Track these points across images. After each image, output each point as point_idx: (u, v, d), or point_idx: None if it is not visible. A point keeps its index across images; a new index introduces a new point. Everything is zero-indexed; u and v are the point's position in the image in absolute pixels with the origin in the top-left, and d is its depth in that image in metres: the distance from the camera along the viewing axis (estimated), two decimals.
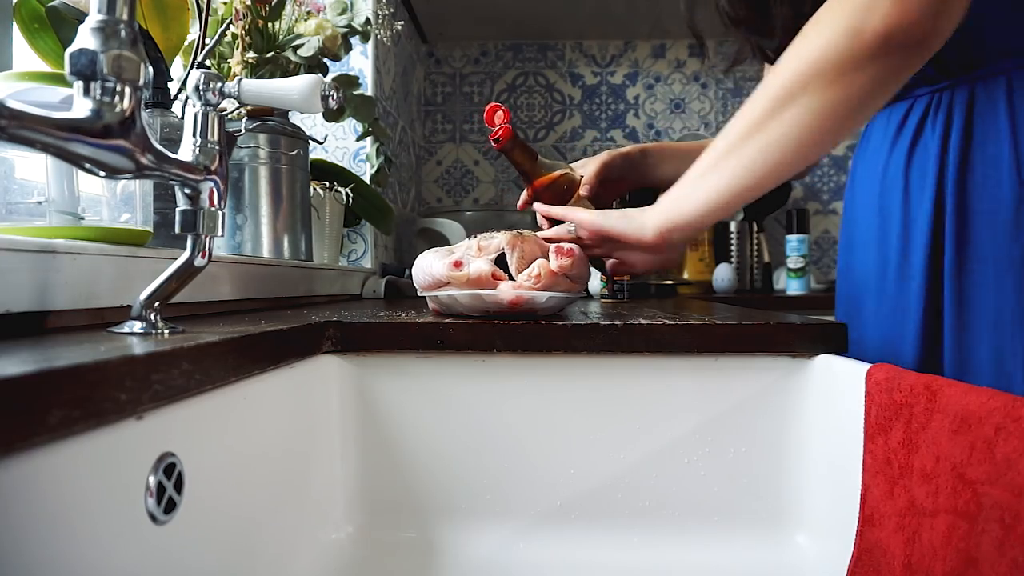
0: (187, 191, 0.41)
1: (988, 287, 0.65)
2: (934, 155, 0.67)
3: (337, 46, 0.90)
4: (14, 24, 0.66)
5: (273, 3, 0.84)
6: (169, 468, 0.31)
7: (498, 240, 0.56)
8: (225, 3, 0.85)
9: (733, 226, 1.81)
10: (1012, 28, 0.61)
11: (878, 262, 0.75)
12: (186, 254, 0.41)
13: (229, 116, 0.81)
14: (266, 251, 0.86)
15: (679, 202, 0.59)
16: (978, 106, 0.64)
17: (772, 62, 0.76)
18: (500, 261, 0.56)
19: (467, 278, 0.54)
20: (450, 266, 0.54)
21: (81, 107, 0.32)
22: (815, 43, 0.51)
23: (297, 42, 0.88)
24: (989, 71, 0.63)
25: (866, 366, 0.41)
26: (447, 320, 0.52)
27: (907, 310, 0.70)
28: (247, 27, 0.83)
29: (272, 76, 0.86)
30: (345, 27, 0.92)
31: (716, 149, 0.57)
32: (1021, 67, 0.61)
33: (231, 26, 0.81)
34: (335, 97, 0.46)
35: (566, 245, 0.57)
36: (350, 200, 1.07)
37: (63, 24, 0.64)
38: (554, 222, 0.69)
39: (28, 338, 0.36)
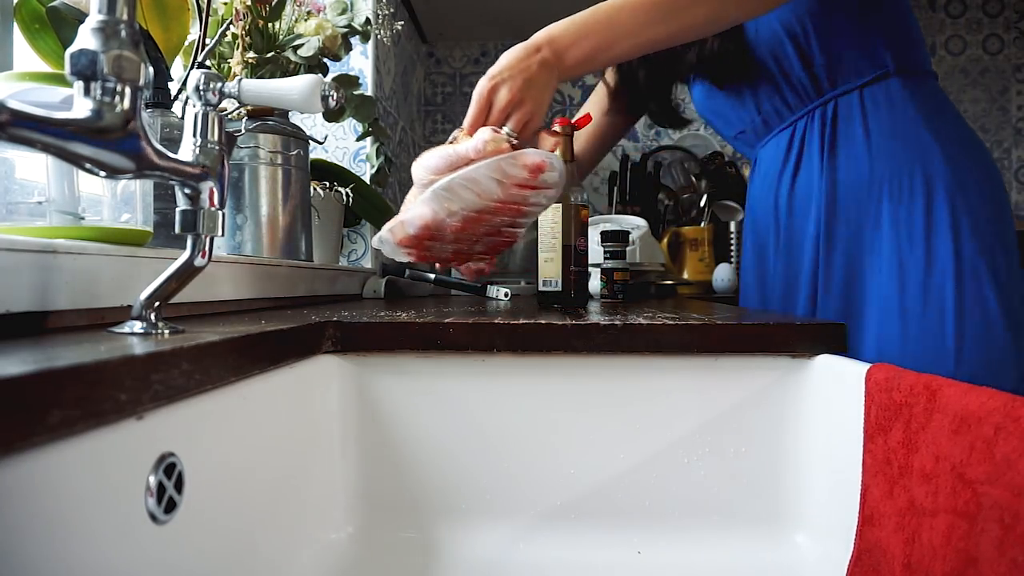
0: (187, 191, 0.41)
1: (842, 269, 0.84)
2: (816, 164, 0.86)
3: (337, 46, 0.90)
4: (15, 24, 0.66)
5: (273, 3, 0.84)
6: (169, 468, 0.31)
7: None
8: (225, 3, 0.85)
9: (733, 226, 1.81)
10: (859, 55, 0.80)
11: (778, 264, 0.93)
12: (186, 254, 0.41)
13: (229, 116, 0.81)
14: (266, 251, 0.86)
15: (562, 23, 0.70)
16: (840, 120, 0.83)
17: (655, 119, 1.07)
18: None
19: (484, 143, 0.56)
20: (459, 139, 0.57)
21: (81, 107, 0.32)
22: None
23: (297, 42, 0.88)
24: (844, 90, 0.82)
25: (866, 366, 0.41)
26: (447, 320, 0.52)
27: (797, 297, 0.89)
28: (247, 27, 0.83)
29: (272, 76, 0.86)
30: (345, 27, 0.92)
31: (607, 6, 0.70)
32: (868, 84, 0.80)
33: (231, 26, 0.81)
34: (335, 97, 0.46)
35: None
36: (350, 200, 1.07)
37: (63, 24, 0.64)
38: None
39: (28, 338, 0.36)
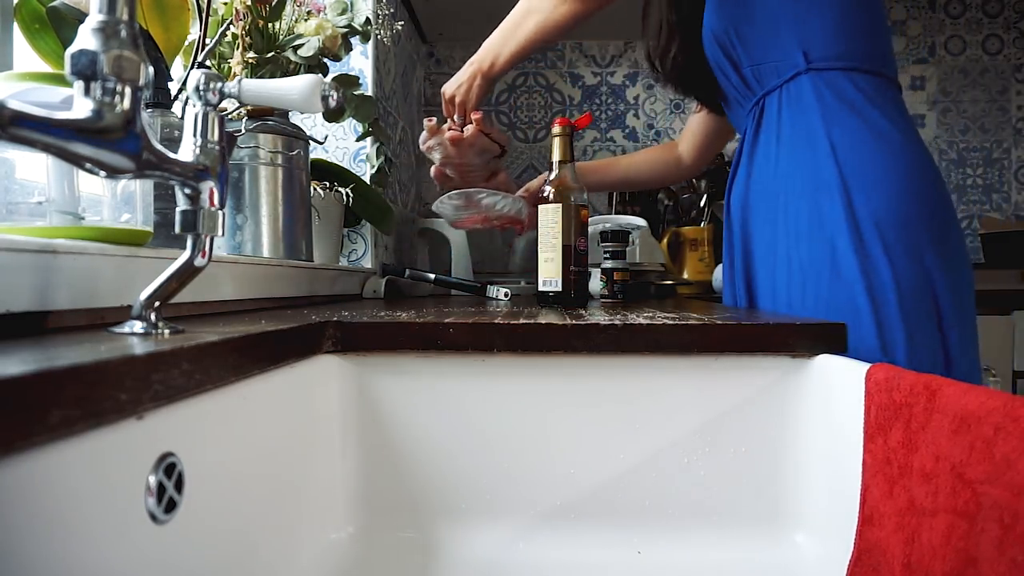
0: (187, 191, 0.41)
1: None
2: (743, 164, 0.93)
3: (337, 46, 0.90)
4: (15, 24, 0.66)
5: (273, 3, 0.84)
6: (169, 468, 0.31)
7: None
8: (225, 3, 0.85)
9: None
10: (777, 55, 0.86)
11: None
12: (186, 254, 0.41)
13: (229, 116, 0.81)
14: (266, 251, 0.86)
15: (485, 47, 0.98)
16: (764, 119, 0.88)
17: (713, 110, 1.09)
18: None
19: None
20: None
21: (81, 107, 0.32)
22: None
23: (297, 42, 0.88)
24: (768, 90, 0.87)
25: (866, 366, 0.41)
26: (447, 320, 0.52)
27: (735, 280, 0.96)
28: (247, 27, 0.83)
29: (272, 76, 0.86)
30: (345, 27, 0.92)
31: (502, 31, 0.98)
32: (786, 83, 0.85)
33: (231, 26, 0.81)
34: (335, 97, 0.46)
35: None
36: (350, 200, 1.07)
37: (64, 24, 0.64)
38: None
39: (28, 338, 0.36)
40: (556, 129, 0.86)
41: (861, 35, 0.83)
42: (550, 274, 0.83)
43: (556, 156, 0.86)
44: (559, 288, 0.83)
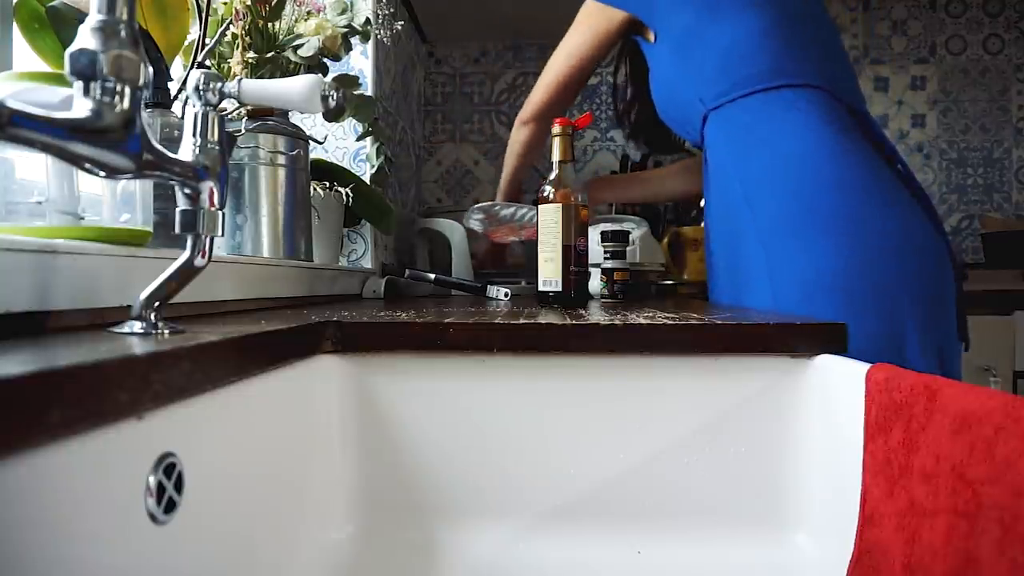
0: (187, 191, 0.41)
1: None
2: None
3: (337, 46, 0.90)
4: (14, 24, 0.66)
5: (273, 3, 0.84)
6: (169, 468, 0.31)
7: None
8: (225, 3, 0.85)
9: None
10: (689, 114, 1.00)
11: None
12: (186, 254, 0.41)
13: (229, 116, 0.81)
14: (266, 251, 0.86)
15: None
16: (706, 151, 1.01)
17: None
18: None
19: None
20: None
21: (81, 107, 0.32)
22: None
23: (297, 42, 0.88)
24: (701, 134, 1.00)
25: (866, 366, 0.41)
26: (447, 320, 0.52)
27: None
28: (247, 27, 0.83)
29: (272, 76, 0.86)
30: (345, 27, 0.92)
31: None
32: (704, 126, 0.98)
33: (231, 26, 0.81)
34: (335, 97, 0.46)
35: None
36: (350, 200, 1.07)
37: (63, 24, 0.64)
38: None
39: (28, 338, 0.36)
40: (556, 129, 0.86)
41: (741, 66, 0.93)
42: (550, 274, 0.83)
43: (556, 156, 0.86)
44: (559, 288, 0.83)
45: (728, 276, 0.97)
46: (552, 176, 0.85)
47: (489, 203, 1.14)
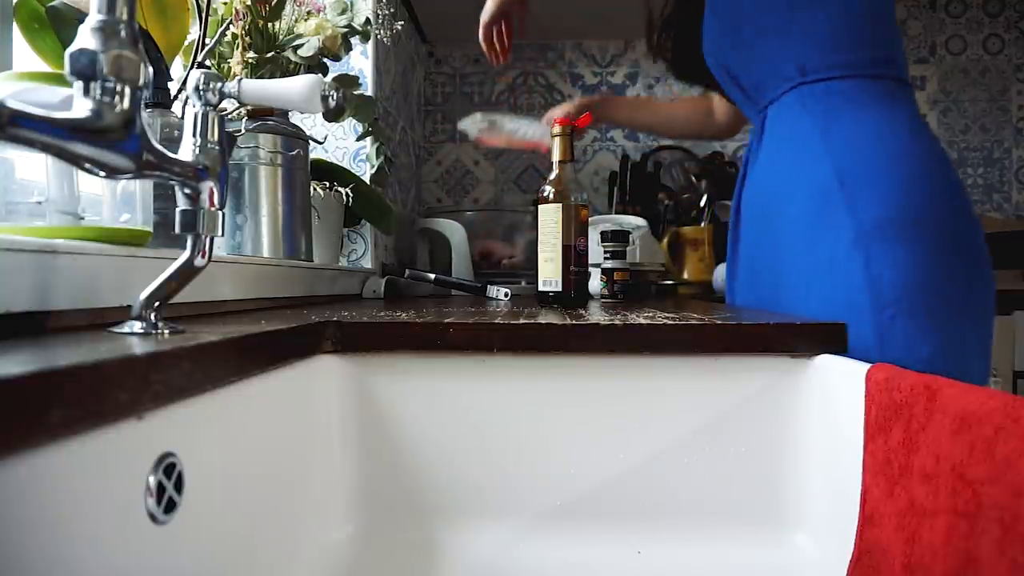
0: (187, 191, 0.41)
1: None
2: (748, 169, 0.95)
3: (337, 46, 0.90)
4: (14, 24, 0.66)
5: (273, 3, 0.84)
6: (169, 468, 0.31)
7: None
8: (225, 3, 0.85)
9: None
10: (773, 73, 0.87)
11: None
12: (186, 254, 0.41)
13: (229, 116, 0.81)
14: (266, 251, 0.86)
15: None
16: (768, 123, 0.89)
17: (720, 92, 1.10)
18: None
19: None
20: None
21: (81, 107, 0.32)
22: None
23: (297, 42, 0.88)
24: (768, 101, 0.88)
25: (866, 366, 0.41)
26: (447, 320, 0.52)
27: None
28: (247, 27, 0.83)
29: (272, 76, 0.86)
30: (345, 27, 0.92)
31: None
32: (784, 94, 0.86)
33: (231, 26, 0.81)
34: (335, 97, 0.46)
35: None
36: (350, 200, 1.07)
37: (63, 24, 0.64)
38: None
39: (28, 338, 0.36)
40: (556, 129, 0.86)
41: (860, 43, 0.82)
42: (550, 274, 0.83)
43: (556, 156, 0.86)
44: (559, 288, 0.83)
45: (776, 275, 0.85)
46: (552, 176, 0.85)
47: (499, 115, 1.14)
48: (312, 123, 1.27)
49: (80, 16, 0.63)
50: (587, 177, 2.01)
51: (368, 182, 1.23)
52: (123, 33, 0.32)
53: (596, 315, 0.62)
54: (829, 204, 0.78)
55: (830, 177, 0.78)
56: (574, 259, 0.83)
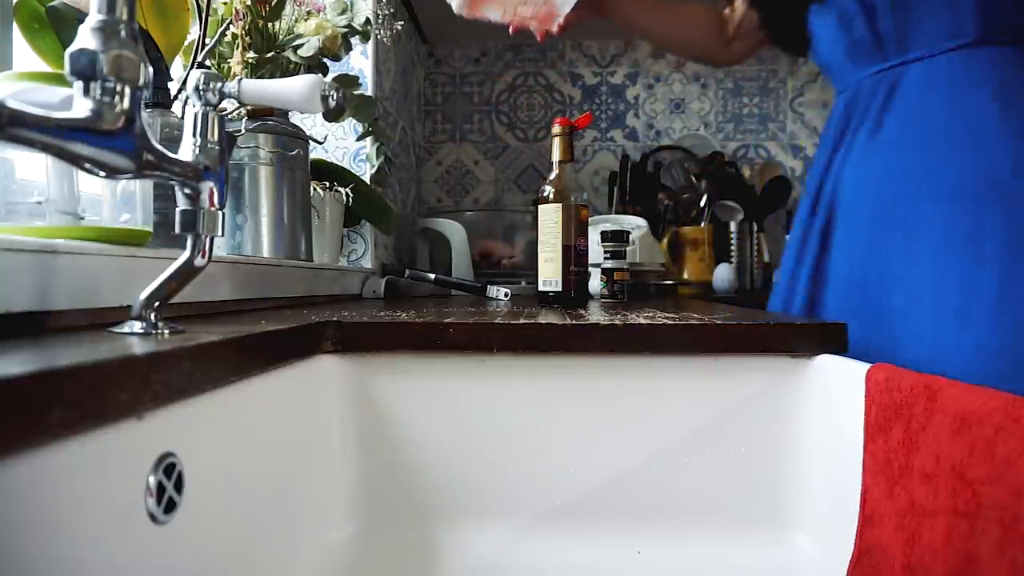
0: (187, 191, 0.41)
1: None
2: (861, 144, 0.74)
3: (337, 46, 0.90)
4: (14, 24, 0.66)
5: (273, 3, 0.84)
6: (169, 468, 0.31)
7: None
8: (225, 3, 0.85)
9: (733, 226, 1.81)
10: (936, 19, 0.66)
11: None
12: (186, 254, 0.41)
13: (229, 116, 0.81)
14: (266, 251, 0.86)
15: None
16: (902, 91, 0.69)
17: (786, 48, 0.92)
18: None
19: None
20: None
21: (81, 107, 0.32)
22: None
23: (297, 42, 0.88)
24: (920, 56, 0.67)
25: (866, 366, 0.41)
26: (447, 320, 0.52)
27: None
28: (247, 27, 0.83)
29: (272, 76, 0.86)
30: (345, 27, 0.92)
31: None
32: (946, 54, 0.65)
33: (231, 26, 0.81)
34: (335, 97, 0.46)
35: None
36: (350, 200, 1.07)
37: (63, 24, 0.64)
38: None
39: (28, 338, 0.36)
40: (556, 129, 0.86)
41: None
42: (550, 274, 0.83)
43: (556, 156, 0.86)
44: (559, 288, 0.83)
45: (887, 291, 0.67)
46: (552, 176, 0.85)
47: None
48: (312, 123, 1.27)
49: (80, 16, 0.63)
50: (587, 177, 2.01)
51: (368, 182, 1.24)
52: (123, 33, 0.32)
53: (596, 315, 0.62)
54: (998, 212, 0.60)
55: (1007, 168, 0.60)
56: (574, 259, 0.83)
